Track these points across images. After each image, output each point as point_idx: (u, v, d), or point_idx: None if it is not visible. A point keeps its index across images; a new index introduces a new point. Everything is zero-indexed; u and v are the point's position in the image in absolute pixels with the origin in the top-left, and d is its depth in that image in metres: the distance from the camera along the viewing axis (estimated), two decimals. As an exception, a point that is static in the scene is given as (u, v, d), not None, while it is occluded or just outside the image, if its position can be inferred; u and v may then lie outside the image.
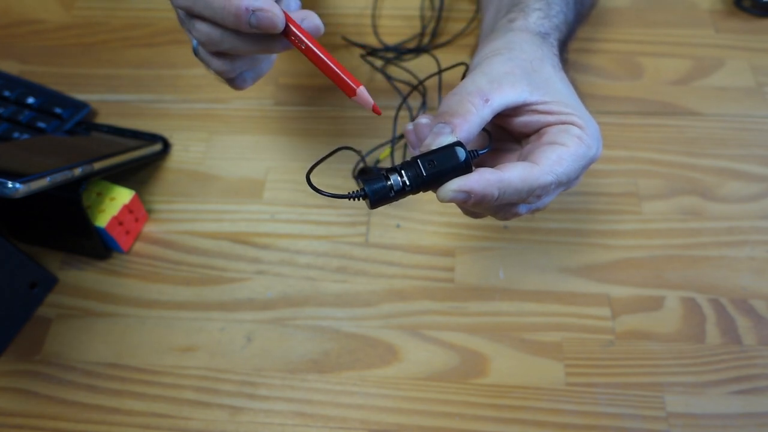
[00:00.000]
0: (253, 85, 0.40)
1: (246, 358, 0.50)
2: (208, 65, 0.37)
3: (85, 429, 0.47)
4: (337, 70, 0.34)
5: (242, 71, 0.38)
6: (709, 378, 0.47)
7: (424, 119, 0.36)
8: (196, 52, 0.38)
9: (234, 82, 0.39)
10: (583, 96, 0.37)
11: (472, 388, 0.48)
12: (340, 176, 0.57)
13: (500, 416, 0.46)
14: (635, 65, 0.64)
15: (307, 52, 0.34)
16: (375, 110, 0.35)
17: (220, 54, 0.36)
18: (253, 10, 0.32)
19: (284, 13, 0.33)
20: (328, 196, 0.33)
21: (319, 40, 0.35)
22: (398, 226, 0.55)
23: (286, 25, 0.33)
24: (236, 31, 0.33)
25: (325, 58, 0.34)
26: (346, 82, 0.34)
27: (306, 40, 0.34)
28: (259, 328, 0.51)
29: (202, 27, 0.34)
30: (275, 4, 0.32)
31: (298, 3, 0.38)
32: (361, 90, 0.34)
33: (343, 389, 0.48)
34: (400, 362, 0.49)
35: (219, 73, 0.38)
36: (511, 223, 0.55)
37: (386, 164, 0.57)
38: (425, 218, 0.56)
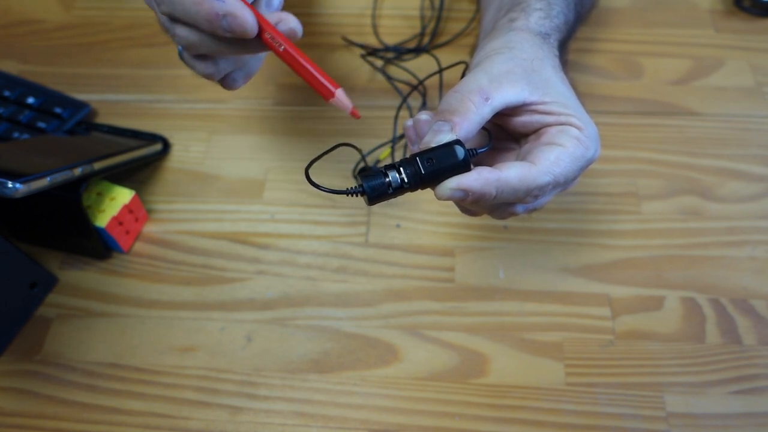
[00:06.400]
0: (245, 83, 0.40)
1: (246, 358, 0.50)
2: (193, 69, 0.37)
3: (85, 429, 0.47)
4: (314, 72, 0.33)
5: (229, 72, 0.38)
6: (709, 378, 0.47)
7: (423, 116, 0.36)
8: (181, 56, 0.38)
9: (224, 82, 0.39)
10: (582, 96, 0.38)
11: (472, 388, 0.48)
12: (340, 175, 0.57)
13: (500, 416, 0.46)
14: (635, 65, 0.64)
15: (283, 55, 0.34)
16: (354, 114, 0.34)
17: (202, 57, 0.36)
18: (224, 15, 0.32)
19: (259, 16, 0.33)
20: (327, 191, 0.33)
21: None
22: (398, 226, 0.55)
23: (261, 28, 0.33)
24: (213, 35, 0.33)
25: (302, 61, 0.33)
26: (324, 85, 0.33)
27: (282, 42, 0.33)
28: (259, 328, 0.51)
29: (182, 31, 0.34)
30: (246, 8, 0.32)
31: (280, 1, 0.38)
32: (339, 93, 0.33)
33: (343, 389, 0.48)
34: (400, 362, 0.49)
35: (205, 76, 0.38)
36: (511, 222, 0.55)
37: (386, 164, 0.57)
38: (425, 218, 0.56)
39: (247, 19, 0.32)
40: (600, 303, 0.51)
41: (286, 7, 0.72)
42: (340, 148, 0.36)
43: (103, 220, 0.51)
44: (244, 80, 0.40)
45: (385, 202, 0.34)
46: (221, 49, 0.35)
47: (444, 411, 0.47)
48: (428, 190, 0.34)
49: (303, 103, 0.63)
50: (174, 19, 0.34)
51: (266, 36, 0.33)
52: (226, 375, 0.49)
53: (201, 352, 0.50)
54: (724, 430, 0.45)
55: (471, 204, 0.34)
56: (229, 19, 0.32)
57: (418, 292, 0.52)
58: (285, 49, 0.33)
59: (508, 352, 0.49)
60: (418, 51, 0.65)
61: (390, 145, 0.58)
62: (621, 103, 0.61)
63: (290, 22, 0.34)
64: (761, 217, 0.54)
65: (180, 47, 0.37)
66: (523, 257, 0.53)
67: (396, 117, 0.59)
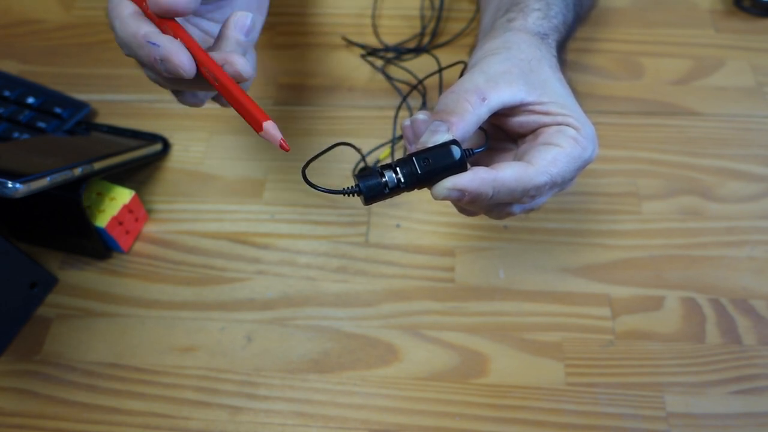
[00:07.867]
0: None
1: (246, 358, 0.50)
2: (180, 101, 0.38)
3: (85, 429, 0.47)
4: (246, 105, 0.32)
5: (214, 97, 0.38)
6: (709, 378, 0.47)
7: (421, 115, 0.36)
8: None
9: (220, 102, 0.39)
10: (582, 96, 0.38)
11: (472, 388, 0.48)
12: (340, 175, 0.57)
13: (500, 416, 0.46)
14: (635, 65, 0.64)
15: (219, 89, 0.33)
16: (282, 147, 0.32)
17: (179, 91, 0.37)
18: (160, 59, 0.31)
19: (199, 52, 0.32)
20: (323, 191, 0.33)
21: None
22: (398, 226, 0.55)
23: (200, 63, 0.32)
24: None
25: (235, 93, 0.32)
26: (253, 116, 0.32)
27: (217, 77, 0.32)
28: (259, 328, 0.51)
29: (148, 72, 0.34)
30: (182, 49, 0.31)
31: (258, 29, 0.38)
32: (268, 125, 0.32)
33: (344, 389, 0.48)
34: (400, 362, 0.49)
35: (190, 105, 0.38)
36: (511, 222, 0.55)
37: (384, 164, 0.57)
38: (425, 218, 0.56)
39: (182, 62, 0.31)
40: (600, 303, 0.51)
41: (286, 8, 0.72)
42: (340, 148, 0.36)
43: (103, 220, 0.51)
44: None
45: (385, 201, 0.34)
46: (180, 87, 0.34)
47: (444, 411, 0.47)
48: (427, 190, 0.34)
49: (303, 103, 0.63)
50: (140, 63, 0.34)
51: (204, 71, 0.32)
52: (226, 375, 0.49)
53: (201, 352, 0.50)
54: (724, 430, 0.45)
55: (467, 204, 0.34)
56: (165, 63, 0.31)
57: (418, 292, 0.52)
58: (219, 84, 0.32)
59: (508, 352, 0.49)
60: (418, 51, 0.65)
61: (390, 145, 0.58)
62: (621, 103, 0.61)
63: (236, 65, 0.32)
64: (761, 217, 0.54)
65: None
66: (523, 257, 0.53)
67: (396, 117, 0.59)
